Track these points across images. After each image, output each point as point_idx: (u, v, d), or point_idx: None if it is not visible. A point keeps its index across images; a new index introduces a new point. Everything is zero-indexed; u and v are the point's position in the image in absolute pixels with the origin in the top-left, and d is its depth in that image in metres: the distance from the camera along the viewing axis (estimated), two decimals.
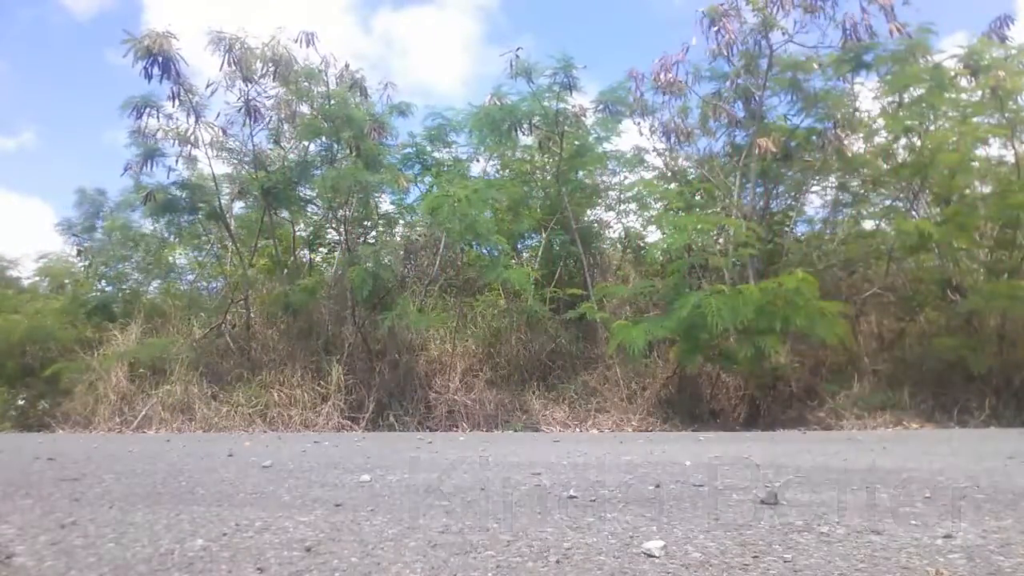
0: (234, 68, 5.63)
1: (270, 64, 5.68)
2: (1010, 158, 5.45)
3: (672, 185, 6.19)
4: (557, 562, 1.01)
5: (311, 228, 6.83)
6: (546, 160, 6.32)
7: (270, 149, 6.28)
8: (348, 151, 5.85)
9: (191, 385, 5.28)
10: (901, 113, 5.52)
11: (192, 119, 5.66)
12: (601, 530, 1.21)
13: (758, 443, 3.19)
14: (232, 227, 6.26)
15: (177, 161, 5.86)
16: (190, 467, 2.07)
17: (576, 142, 6.12)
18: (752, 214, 5.86)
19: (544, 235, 6.17)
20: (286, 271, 6.19)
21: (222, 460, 2.28)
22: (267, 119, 5.99)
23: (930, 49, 5.70)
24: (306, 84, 5.97)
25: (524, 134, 6.13)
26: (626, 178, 6.73)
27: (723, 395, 5.31)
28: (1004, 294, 4.77)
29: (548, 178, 6.19)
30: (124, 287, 6.44)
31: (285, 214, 6.36)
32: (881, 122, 5.77)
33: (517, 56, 5.74)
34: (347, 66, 6.20)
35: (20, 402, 5.98)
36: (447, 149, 6.62)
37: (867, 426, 4.79)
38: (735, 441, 3.35)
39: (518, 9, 23.87)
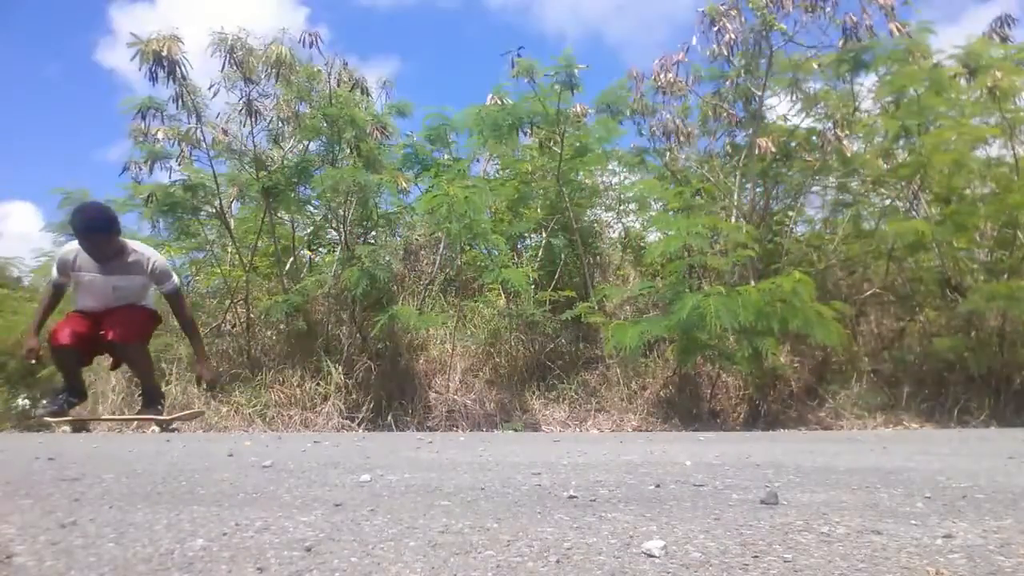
0: (235, 69, 5.64)
1: (272, 68, 5.68)
2: (1009, 158, 5.47)
3: (671, 186, 6.20)
4: (557, 562, 1.01)
5: (311, 228, 6.83)
6: (546, 160, 6.33)
7: (270, 149, 6.28)
8: (348, 151, 5.85)
9: (190, 385, 5.29)
10: (899, 113, 5.53)
11: (194, 119, 5.66)
12: (601, 530, 1.21)
13: (758, 443, 3.19)
14: (232, 227, 6.26)
15: (179, 162, 5.87)
16: (190, 467, 2.06)
17: (577, 143, 6.13)
18: (752, 214, 5.87)
19: (544, 235, 6.17)
20: (286, 271, 6.19)
21: (222, 460, 2.28)
22: (268, 119, 6.00)
23: (929, 49, 5.71)
24: (307, 84, 5.98)
25: (525, 134, 6.14)
26: (626, 178, 6.75)
27: (723, 395, 5.31)
28: (1004, 294, 4.78)
29: (548, 178, 6.19)
30: None
31: (285, 215, 6.36)
32: (880, 122, 5.78)
33: (518, 55, 5.75)
34: (345, 65, 6.21)
35: (21, 402, 5.97)
36: (446, 150, 6.63)
37: (867, 426, 4.80)
38: (735, 441, 3.35)
39: None
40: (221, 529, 1.21)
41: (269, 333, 5.93)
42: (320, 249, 7.09)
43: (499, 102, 6.09)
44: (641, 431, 4.79)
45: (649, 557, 1.03)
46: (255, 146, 5.96)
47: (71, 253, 4.16)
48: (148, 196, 5.71)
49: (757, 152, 5.56)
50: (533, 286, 5.72)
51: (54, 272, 4.31)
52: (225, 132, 6.00)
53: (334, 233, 6.67)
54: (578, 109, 6.05)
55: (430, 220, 5.78)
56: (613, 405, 5.12)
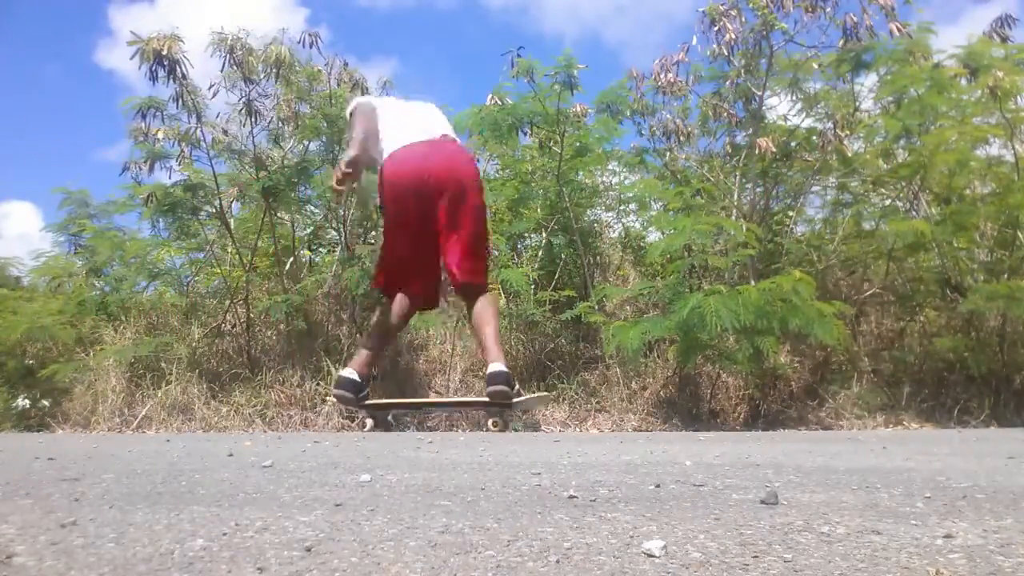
0: (235, 69, 5.64)
1: (272, 68, 5.69)
2: (1010, 158, 5.46)
3: (672, 186, 6.20)
4: (557, 562, 1.01)
5: (311, 228, 6.84)
6: (546, 160, 6.33)
7: (270, 149, 6.28)
8: None
9: (190, 385, 5.29)
10: (900, 113, 5.53)
11: (194, 119, 5.67)
12: (601, 530, 1.21)
13: (758, 443, 3.19)
14: (232, 227, 6.27)
15: (179, 162, 5.87)
16: (190, 467, 2.06)
17: (577, 143, 6.13)
18: (752, 214, 5.86)
19: (544, 235, 6.17)
20: (286, 271, 6.19)
21: (222, 460, 2.28)
22: (268, 119, 6.01)
23: (930, 49, 5.71)
24: (307, 84, 5.98)
25: (525, 134, 6.13)
26: (626, 178, 6.74)
27: (723, 395, 5.31)
28: (1004, 294, 4.77)
29: (549, 178, 6.19)
30: (121, 287, 6.43)
31: (285, 215, 6.36)
32: (880, 122, 5.78)
33: (518, 55, 5.75)
34: (345, 65, 6.21)
35: (20, 402, 5.97)
36: None
37: (867, 426, 4.80)
38: (735, 441, 3.35)
39: None
40: (221, 529, 1.21)
41: (269, 333, 5.93)
42: (320, 249, 7.10)
43: (499, 102, 6.09)
44: (641, 431, 4.79)
45: (649, 557, 1.03)
46: (255, 146, 5.96)
47: None
48: (148, 196, 5.71)
49: (757, 152, 5.56)
50: (533, 286, 5.72)
51: None
52: (225, 132, 6.01)
53: (334, 233, 6.67)
54: (578, 109, 6.05)
55: None
56: (613, 405, 5.12)
